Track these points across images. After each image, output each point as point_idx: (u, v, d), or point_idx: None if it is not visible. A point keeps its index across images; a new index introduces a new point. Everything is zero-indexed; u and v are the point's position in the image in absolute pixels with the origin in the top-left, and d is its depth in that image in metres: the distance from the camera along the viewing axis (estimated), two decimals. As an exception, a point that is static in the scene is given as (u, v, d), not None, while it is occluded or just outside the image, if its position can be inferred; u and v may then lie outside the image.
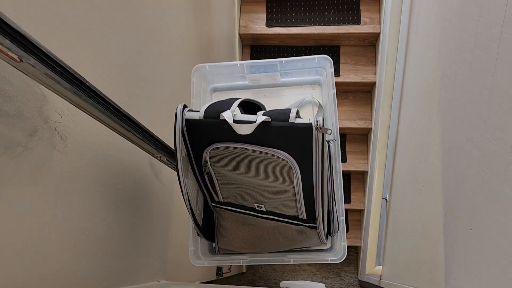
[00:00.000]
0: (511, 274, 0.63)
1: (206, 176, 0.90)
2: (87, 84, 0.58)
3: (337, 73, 2.79)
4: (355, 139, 2.89)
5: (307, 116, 1.04)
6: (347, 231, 2.89)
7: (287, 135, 0.77)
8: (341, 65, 2.82)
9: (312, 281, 2.98)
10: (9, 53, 0.44)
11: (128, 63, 0.97)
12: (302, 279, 2.99)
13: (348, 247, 2.97)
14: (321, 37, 2.82)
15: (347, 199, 2.86)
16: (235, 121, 0.77)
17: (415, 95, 1.51)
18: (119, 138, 0.76)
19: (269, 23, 2.85)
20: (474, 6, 0.85)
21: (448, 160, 1.01)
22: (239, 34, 2.83)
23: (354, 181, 2.91)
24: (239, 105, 0.84)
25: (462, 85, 0.92)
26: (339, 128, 2.81)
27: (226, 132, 0.79)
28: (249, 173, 0.85)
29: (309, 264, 3.03)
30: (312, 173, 0.82)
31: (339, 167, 0.95)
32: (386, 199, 2.12)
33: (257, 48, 2.95)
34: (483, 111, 0.78)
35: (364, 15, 2.79)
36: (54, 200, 0.67)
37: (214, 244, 1.04)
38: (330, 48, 2.88)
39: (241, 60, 2.92)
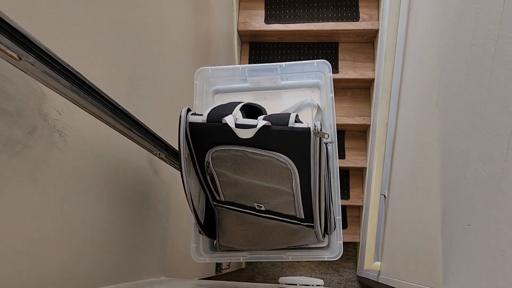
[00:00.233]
0: (508, 269, 0.64)
1: (208, 177, 0.93)
2: (86, 82, 0.58)
3: (336, 69, 2.79)
4: (354, 135, 2.90)
5: (306, 118, 1.09)
6: (345, 227, 2.91)
7: (286, 139, 0.81)
8: (339, 62, 2.83)
9: (311, 277, 2.99)
10: (8, 51, 0.44)
11: (127, 61, 0.97)
12: (301, 275, 3.00)
13: (346, 243, 2.99)
14: (320, 33, 2.82)
15: (346, 196, 2.87)
16: (236, 126, 0.80)
17: (413, 92, 1.52)
18: (118, 136, 0.76)
19: (267, 20, 2.85)
20: (472, 3, 0.85)
21: (446, 157, 1.02)
22: (238, 31, 2.83)
23: (352, 177, 2.92)
24: (241, 109, 0.86)
25: (460, 82, 0.92)
26: (338, 124, 2.82)
27: (228, 135, 0.83)
28: (249, 174, 0.89)
29: (308, 260, 3.04)
30: (310, 175, 0.86)
31: (336, 168, 0.98)
32: (384, 196, 2.13)
33: (256, 45, 2.95)
34: (481, 108, 0.78)
35: (363, 12, 2.79)
36: (54, 198, 0.67)
37: (215, 242, 1.06)
38: (329, 45, 2.89)
39: (240, 56, 2.92)
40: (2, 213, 0.55)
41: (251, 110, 0.95)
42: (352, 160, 2.83)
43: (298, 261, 3.05)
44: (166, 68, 1.28)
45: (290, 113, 0.82)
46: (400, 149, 1.76)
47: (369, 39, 2.84)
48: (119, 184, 0.92)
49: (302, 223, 0.97)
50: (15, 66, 0.48)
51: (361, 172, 2.93)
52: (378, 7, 2.77)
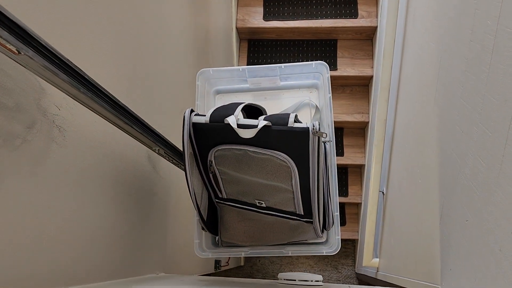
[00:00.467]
0: (506, 264, 0.64)
1: (211, 175, 0.97)
2: (86, 76, 0.58)
3: (334, 67, 2.79)
4: (353, 132, 2.90)
5: (305, 118, 1.13)
6: (344, 224, 2.91)
7: (286, 138, 0.84)
8: (338, 59, 2.83)
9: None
10: (8, 45, 0.44)
11: (126, 59, 0.97)
12: (300, 272, 3.01)
13: (345, 240, 3.00)
14: (319, 30, 2.82)
15: (345, 193, 2.87)
16: (238, 126, 0.84)
17: (412, 89, 1.52)
18: (117, 131, 0.76)
19: (266, 17, 2.84)
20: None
21: (444, 153, 1.02)
22: (237, 28, 2.83)
23: (351, 174, 2.92)
24: (242, 109, 0.89)
25: (458, 78, 0.92)
26: (336, 121, 2.82)
27: (230, 135, 0.86)
28: (250, 172, 0.92)
29: (306, 257, 3.05)
30: (309, 173, 0.89)
31: (334, 166, 1.01)
32: (383, 192, 2.13)
33: (255, 42, 2.95)
34: (479, 104, 0.78)
35: (362, 9, 2.79)
36: (53, 193, 0.67)
37: (217, 238, 1.10)
38: (328, 42, 2.88)
39: (239, 54, 2.92)
40: (1, 208, 0.55)
41: (251, 111, 0.98)
42: (350, 157, 2.83)
43: (297, 259, 3.06)
44: (165, 65, 1.28)
45: (289, 114, 0.85)
46: (398, 146, 1.76)
47: (367, 36, 2.84)
48: (118, 180, 0.92)
49: (301, 219, 1.00)
50: (14, 60, 0.48)
51: (359, 169, 2.93)
52: (376, 4, 2.77)
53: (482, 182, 0.75)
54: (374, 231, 2.33)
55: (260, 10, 2.86)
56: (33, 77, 0.60)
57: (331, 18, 2.80)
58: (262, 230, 1.04)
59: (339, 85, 2.87)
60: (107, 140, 0.86)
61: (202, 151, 0.92)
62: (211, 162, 0.93)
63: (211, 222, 1.05)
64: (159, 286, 0.94)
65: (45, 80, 0.54)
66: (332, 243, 1.05)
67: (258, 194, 0.97)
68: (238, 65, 2.88)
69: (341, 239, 1.03)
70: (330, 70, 1.10)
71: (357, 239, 2.85)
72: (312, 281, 1.04)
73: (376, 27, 2.72)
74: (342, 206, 2.94)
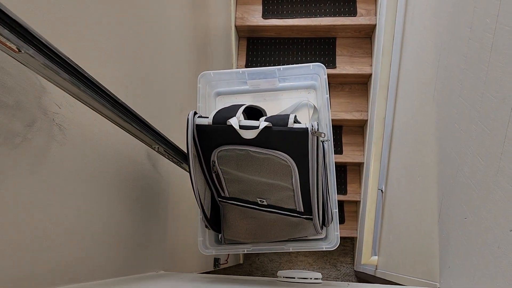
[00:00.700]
0: (505, 262, 0.65)
1: (214, 174, 1.00)
2: (86, 75, 0.58)
3: (333, 65, 2.79)
4: (351, 130, 2.90)
5: (304, 118, 1.17)
6: (343, 222, 2.92)
7: (286, 139, 0.87)
8: (337, 57, 2.82)
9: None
10: (8, 43, 0.44)
11: (126, 54, 0.97)
12: (299, 270, 3.01)
13: (344, 238, 3.00)
14: (318, 28, 2.82)
15: (343, 191, 2.87)
16: (240, 127, 0.87)
17: (410, 87, 1.52)
18: (117, 129, 0.76)
19: (265, 15, 2.84)
20: (469, -3, 0.85)
21: (443, 151, 1.02)
22: (236, 26, 2.82)
23: (350, 172, 2.93)
24: (243, 111, 0.92)
25: (457, 76, 0.93)
26: (335, 119, 2.82)
27: (232, 136, 0.89)
28: (252, 172, 0.95)
29: (305, 255, 3.06)
30: (308, 172, 0.92)
31: (332, 164, 1.04)
32: (382, 190, 2.13)
33: (254, 40, 2.95)
34: (477, 102, 0.79)
35: (360, 7, 2.79)
36: (53, 191, 0.67)
37: (220, 235, 1.13)
38: (327, 40, 2.88)
39: (238, 52, 2.91)
40: (1, 206, 0.55)
41: (252, 112, 1.02)
42: (349, 155, 2.84)
43: (296, 256, 3.06)
44: (164, 63, 1.28)
45: (289, 114, 0.88)
46: (397, 144, 1.77)
47: (366, 34, 2.84)
48: (117, 178, 0.92)
49: (301, 216, 1.03)
50: (14, 58, 0.48)
51: (358, 167, 2.93)
52: (375, 2, 2.77)
53: (481, 180, 0.76)
54: (373, 229, 2.33)
55: (259, 8, 2.86)
56: (34, 75, 0.60)
57: (330, 16, 2.80)
58: (263, 227, 1.07)
59: (338, 83, 2.87)
60: (107, 139, 0.86)
61: (205, 152, 0.96)
62: (214, 162, 0.96)
63: (214, 220, 1.08)
64: (159, 284, 0.94)
65: (46, 79, 0.54)
66: (331, 239, 1.08)
67: (260, 192, 1.00)
68: (237, 63, 2.88)
69: (340, 237, 1.05)
70: (329, 68, 1.12)
71: (356, 237, 2.86)
72: (311, 278, 1.05)
73: (375, 25, 2.72)
74: (341, 204, 2.94)
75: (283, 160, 0.90)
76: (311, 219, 1.02)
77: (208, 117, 0.91)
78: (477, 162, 0.78)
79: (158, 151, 0.93)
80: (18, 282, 0.59)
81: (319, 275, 1.06)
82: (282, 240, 1.10)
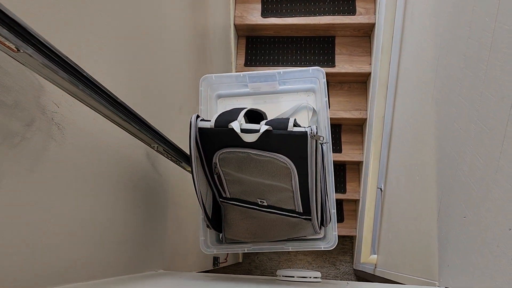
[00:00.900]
0: (504, 260, 0.65)
1: (215, 176, 1.03)
2: (85, 74, 0.58)
3: (332, 63, 2.79)
4: (351, 129, 2.90)
5: (303, 119, 1.20)
6: (342, 221, 2.92)
7: (286, 142, 0.90)
8: (336, 56, 2.82)
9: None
10: (7, 42, 0.44)
11: (125, 54, 0.97)
12: (298, 269, 3.01)
13: (343, 236, 3.01)
14: (317, 27, 2.82)
15: (342, 190, 2.87)
16: (242, 130, 0.90)
17: (410, 86, 1.52)
18: (116, 129, 0.76)
19: (264, 14, 2.84)
20: (469, -4, 0.85)
21: (442, 150, 1.02)
22: (235, 25, 2.82)
23: (349, 171, 2.93)
24: (244, 114, 0.95)
25: (456, 74, 0.93)
26: (334, 118, 2.82)
27: (233, 139, 0.92)
28: (253, 173, 0.98)
29: (304, 254, 3.06)
30: (307, 173, 0.94)
31: (331, 166, 1.07)
32: (381, 189, 2.14)
33: (253, 39, 2.94)
34: (476, 101, 0.79)
35: (359, 5, 2.79)
36: (52, 191, 0.67)
37: (221, 235, 1.16)
38: (326, 39, 2.88)
39: (237, 50, 2.91)
40: (0, 205, 0.55)
41: (253, 115, 1.04)
42: (348, 154, 2.84)
43: (295, 255, 3.06)
44: (163, 62, 1.28)
45: (289, 118, 0.91)
46: (396, 143, 1.77)
47: (365, 33, 2.84)
48: (117, 178, 0.92)
49: (300, 217, 1.05)
50: (13, 58, 0.48)
51: (357, 166, 2.94)
52: (374, 1, 2.76)
53: (480, 179, 0.76)
54: (372, 227, 2.34)
55: (258, 6, 2.86)
56: (32, 74, 0.60)
57: (329, 14, 2.80)
58: (263, 227, 1.09)
59: (337, 82, 2.87)
60: (106, 138, 0.86)
61: (207, 154, 0.98)
62: (216, 164, 0.98)
63: (216, 220, 1.11)
64: (158, 283, 0.95)
65: (44, 78, 0.53)
66: (329, 239, 1.11)
67: (260, 193, 1.02)
68: (236, 62, 2.87)
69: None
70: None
71: (355, 236, 2.86)
72: (310, 277, 1.05)
73: (374, 24, 2.71)
74: (340, 202, 2.94)
75: (283, 162, 0.92)
76: (310, 219, 1.04)
77: (210, 120, 0.94)
78: (476, 161, 0.78)
79: (157, 150, 0.93)
80: (18, 282, 0.59)
81: (318, 274, 1.06)
82: (281, 240, 1.12)
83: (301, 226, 1.07)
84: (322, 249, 1.08)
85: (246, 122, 0.99)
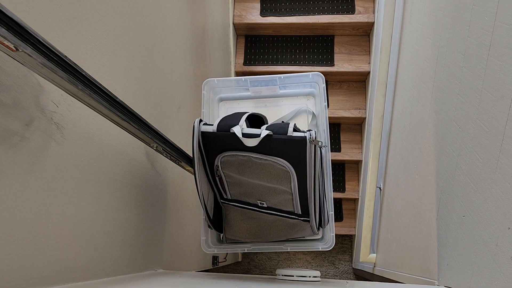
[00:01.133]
0: (502, 259, 0.65)
1: (217, 178, 1.06)
2: (84, 73, 0.58)
3: (331, 62, 2.79)
4: (350, 128, 2.90)
5: (303, 123, 1.24)
6: (341, 220, 2.92)
7: (285, 146, 0.93)
8: (335, 55, 2.82)
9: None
10: (5, 42, 0.44)
11: (123, 53, 0.97)
12: (298, 268, 3.02)
13: (342, 235, 3.01)
14: (316, 26, 2.81)
15: (342, 189, 2.87)
16: (243, 135, 0.93)
17: (409, 84, 1.52)
18: (115, 128, 0.76)
19: (263, 13, 2.84)
20: (468, -5, 0.85)
21: (441, 149, 1.02)
22: (234, 24, 2.82)
23: (348, 170, 2.93)
24: (245, 118, 0.98)
25: (455, 73, 0.93)
26: (333, 117, 2.82)
27: (235, 143, 0.95)
28: (253, 176, 1.01)
29: (304, 253, 3.06)
30: (306, 177, 0.97)
31: (329, 169, 1.10)
32: (380, 188, 2.14)
33: (252, 38, 2.94)
34: (476, 99, 0.79)
35: (358, 4, 2.79)
36: (51, 190, 0.67)
37: (221, 235, 1.19)
38: (325, 38, 2.88)
39: (236, 49, 2.91)
40: None
41: (254, 119, 1.07)
42: (347, 153, 2.84)
43: (294, 254, 3.07)
44: (162, 61, 1.28)
45: (289, 123, 0.94)
46: (395, 142, 1.77)
47: (364, 32, 2.84)
48: (116, 177, 0.92)
49: (299, 218, 1.08)
50: (12, 57, 0.47)
51: (356, 165, 2.94)
52: (373, 0, 2.76)
53: (479, 178, 0.76)
54: (371, 226, 2.34)
55: (257, 5, 2.86)
56: (31, 74, 0.60)
57: (328, 13, 2.79)
58: (263, 228, 1.12)
59: (336, 81, 2.87)
60: (105, 137, 0.86)
61: (209, 157, 1.02)
62: (218, 166, 1.02)
63: (217, 220, 1.14)
64: (158, 282, 0.95)
65: (43, 77, 0.53)
66: (327, 240, 1.13)
67: (260, 195, 1.05)
68: (235, 61, 2.87)
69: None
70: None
71: (354, 235, 2.86)
72: (309, 276, 1.05)
73: (373, 23, 2.71)
74: (339, 201, 2.94)
75: (282, 166, 0.95)
76: (308, 221, 1.07)
77: (212, 125, 0.97)
78: (475, 160, 0.78)
79: (156, 150, 0.93)
80: (18, 282, 0.59)
81: (317, 273, 1.06)
82: (280, 240, 1.15)
83: (299, 227, 1.09)
84: (320, 249, 1.11)
85: (247, 127, 1.01)
